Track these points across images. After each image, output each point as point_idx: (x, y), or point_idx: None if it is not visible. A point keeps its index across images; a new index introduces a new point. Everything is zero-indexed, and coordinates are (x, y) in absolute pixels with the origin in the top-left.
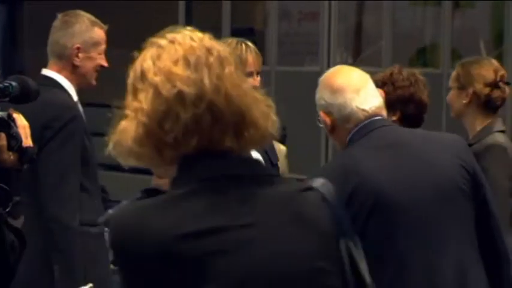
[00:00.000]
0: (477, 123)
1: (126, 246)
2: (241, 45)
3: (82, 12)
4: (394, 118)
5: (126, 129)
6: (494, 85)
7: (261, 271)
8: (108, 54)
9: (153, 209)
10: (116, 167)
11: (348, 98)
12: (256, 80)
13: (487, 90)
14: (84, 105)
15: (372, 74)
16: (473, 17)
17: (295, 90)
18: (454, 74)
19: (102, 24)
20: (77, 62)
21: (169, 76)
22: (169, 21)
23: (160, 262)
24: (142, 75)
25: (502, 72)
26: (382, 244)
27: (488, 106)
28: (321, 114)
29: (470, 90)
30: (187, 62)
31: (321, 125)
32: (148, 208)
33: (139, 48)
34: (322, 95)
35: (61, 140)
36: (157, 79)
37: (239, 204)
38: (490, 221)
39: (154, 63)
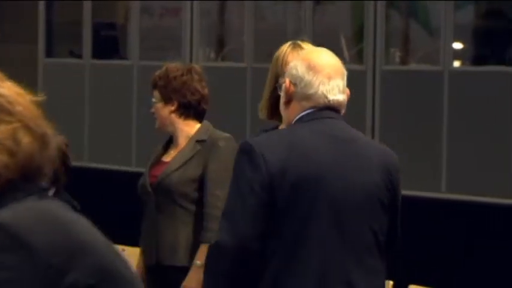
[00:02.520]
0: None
1: None
2: (289, 46)
3: None
4: (172, 108)
5: None
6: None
7: None
8: None
9: None
10: None
11: (318, 79)
12: None
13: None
14: None
15: (235, 69)
16: (334, 13)
17: None
18: None
19: None
20: None
21: None
22: (29, 16)
23: None
24: None
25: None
26: (295, 221)
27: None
28: (286, 81)
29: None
30: None
31: (280, 92)
32: None
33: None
34: (296, 66)
35: None
36: None
37: None
38: (393, 240)
39: None
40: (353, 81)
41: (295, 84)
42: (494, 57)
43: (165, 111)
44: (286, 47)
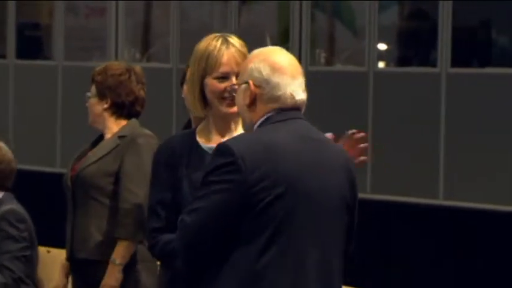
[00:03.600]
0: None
1: None
2: (221, 44)
3: None
4: (105, 105)
5: None
6: None
7: None
8: None
9: None
10: None
11: (285, 81)
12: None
13: None
14: None
15: (161, 70)
16: (260, 13)
17: (83, 85)
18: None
19: None
20: None
21: None
22: None
23: None
24: None
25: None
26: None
27: None
28: (250, 83)
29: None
30: None
31: (236, 92)
32: None
33: None
34: (259, 68)
35: None
36: None
37: None
38: (351, 242)
39: None
40: None
41: (259, 87)
42: (418, 58)
43: (98, 108)
44: (218, 44)
